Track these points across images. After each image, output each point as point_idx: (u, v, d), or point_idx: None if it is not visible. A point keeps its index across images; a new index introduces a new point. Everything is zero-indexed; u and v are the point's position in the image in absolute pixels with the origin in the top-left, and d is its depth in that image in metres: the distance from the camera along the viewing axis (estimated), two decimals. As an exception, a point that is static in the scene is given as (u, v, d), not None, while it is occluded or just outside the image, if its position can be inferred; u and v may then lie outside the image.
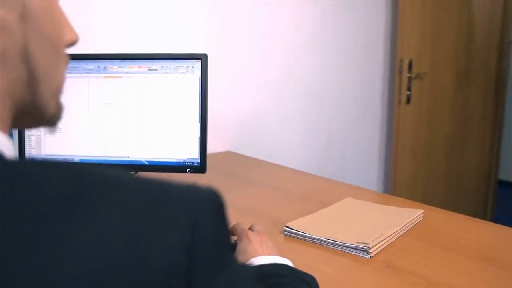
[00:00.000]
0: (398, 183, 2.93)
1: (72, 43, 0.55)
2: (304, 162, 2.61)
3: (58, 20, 0.51)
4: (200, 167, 1.35)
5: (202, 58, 1.33)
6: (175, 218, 0.40)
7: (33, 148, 1.36)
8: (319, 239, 1.16)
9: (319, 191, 1.65)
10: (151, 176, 0.43)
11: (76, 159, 1.38)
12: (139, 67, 1.35)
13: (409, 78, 2.84)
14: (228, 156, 2.13)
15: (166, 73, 1.34)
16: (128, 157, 1.36)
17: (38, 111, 0.51)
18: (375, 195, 1.76)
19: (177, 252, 0.39)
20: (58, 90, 0.53)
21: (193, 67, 1.33)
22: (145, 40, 1.96)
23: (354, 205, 1.40)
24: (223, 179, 1.72)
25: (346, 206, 1.40)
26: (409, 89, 2.85)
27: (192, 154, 1.35)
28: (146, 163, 1.36)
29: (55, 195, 0.38)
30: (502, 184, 4.05)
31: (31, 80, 0.48)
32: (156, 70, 1.34)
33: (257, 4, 2.31)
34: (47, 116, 0.52)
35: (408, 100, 2.87)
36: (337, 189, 1.69)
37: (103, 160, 1.36)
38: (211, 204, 0.42)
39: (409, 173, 2.98)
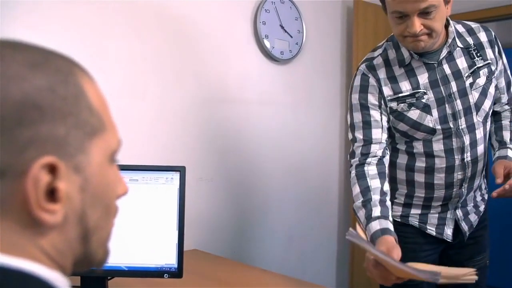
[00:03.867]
0: (355, 277, 3.03)
1: (123, 195, 0.64)
2: (265, 256, 2.70)
3: (112, 180, 0.60)
4: (177, 273, 1.43)
5: (181, 170, 1.45)
6: None
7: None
8: None
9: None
10: None
11: (55, 265, 1.43)
12: (121, 177, 1.45)
13: (363, 176, 3.00)
14: (195, 254, 2.20)
15: (147, 183, 1.44)
16: (107, 262, 1.43)
17: (88, 259, 0.59)
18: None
19: None
20: (106, 240, 0.61)
21: (172, 178, 1.44)
22: (126, 152, 2.08)
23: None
24: (194, 279, 1.79)
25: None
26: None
27: (169, 260, 1.43)
28: (125, 269, 1.43)
29: None
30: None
31: (85, 235, 0.57)
32: (137, 180, 1.45)
33: (223, 117, 2.50)
34: (95, 262, 0.61)
35: (363, 196, 3.02)
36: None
37: (83, 266, 1.42)
38: None
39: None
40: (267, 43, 2.65)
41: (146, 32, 2.20)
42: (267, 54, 2.68)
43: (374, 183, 1.52)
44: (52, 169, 0.50)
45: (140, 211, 1.45)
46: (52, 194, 0.51)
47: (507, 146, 1.71)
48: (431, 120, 1.59)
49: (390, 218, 1.46)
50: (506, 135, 1.73)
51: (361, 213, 1.49)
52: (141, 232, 1.44)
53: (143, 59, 2.20)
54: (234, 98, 2.56)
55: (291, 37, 2.78)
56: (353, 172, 1.58)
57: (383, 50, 1.65)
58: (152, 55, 2.23)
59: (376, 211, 1.46)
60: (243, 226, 2.62)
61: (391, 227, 1.44)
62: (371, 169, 1.55)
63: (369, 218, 1.45)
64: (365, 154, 1.59)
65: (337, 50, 3.12)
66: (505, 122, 1.76)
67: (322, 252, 3.09)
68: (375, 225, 1.43)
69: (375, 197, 1.49)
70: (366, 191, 1.51)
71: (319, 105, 3.01)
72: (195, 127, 2.40)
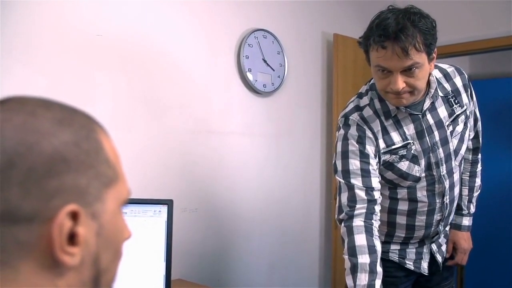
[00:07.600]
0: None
1: (128, 239, 0.68)
2: (249, 284, 2.73)
3: (121, 226, 0.65)
4: (164, 303, 1.47)
5: (169, 203, 1.50)
6: None
7: None
8: None
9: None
10: None
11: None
12: (110, 210, 1.49)
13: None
14: (179, 284, 2.23)
15: (135, 216, 1.49)
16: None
17: None
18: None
19: None
20: (112, 281, 0.66)
21: (160, 211, 1.50)
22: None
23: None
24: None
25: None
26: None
27: (156, 291, 1.47)
28: (113, 300, 1.46)
29: None
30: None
31: (97, 277, 0.61)
32: (126, 213, 1.49)
33: (207, 148, 2.56)
34: None
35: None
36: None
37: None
38: None
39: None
40: (250, 76, 2.73)
41: (133, 66, 2.27)
42: (250, 87, 2.76)
43: (378, 244, 1.52)
44: (74, 216, 0.56)
45: (128, 243, 1.48)
46: (72, 238, 0.56)
47: (463, 213, 1.86)
48: (418, 170, 1.62)
49: None
50: (464, 193, 1.86)
51: (363, 276, 1.46)
52: (128, 264, 1.48)
53: (130, 91, 2.26)
54: (218, 129, 2.63)
55: (273, 70, 2.87)
56: (360, 220, 1.53)
57: (369, 100, 1.64)
58: (138, 88, 2.29)
59: (378, 284, 1.47)
60: (226, 255, 2.66)
61: None
62: (376, 226, 1.54)
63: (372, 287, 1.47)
64: (372, 201, 1.55)
65: (317, 82, 3.21)
66: (465, 177, 1.86)
67: (304, 279, 3.13)
68: None
69: (379, 265, 1.49)
70: (372, 250, 1.49)
71: (301, 136, 3.09)
72: (179, 158, 2.45)
